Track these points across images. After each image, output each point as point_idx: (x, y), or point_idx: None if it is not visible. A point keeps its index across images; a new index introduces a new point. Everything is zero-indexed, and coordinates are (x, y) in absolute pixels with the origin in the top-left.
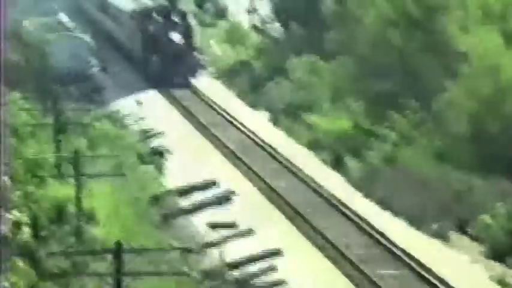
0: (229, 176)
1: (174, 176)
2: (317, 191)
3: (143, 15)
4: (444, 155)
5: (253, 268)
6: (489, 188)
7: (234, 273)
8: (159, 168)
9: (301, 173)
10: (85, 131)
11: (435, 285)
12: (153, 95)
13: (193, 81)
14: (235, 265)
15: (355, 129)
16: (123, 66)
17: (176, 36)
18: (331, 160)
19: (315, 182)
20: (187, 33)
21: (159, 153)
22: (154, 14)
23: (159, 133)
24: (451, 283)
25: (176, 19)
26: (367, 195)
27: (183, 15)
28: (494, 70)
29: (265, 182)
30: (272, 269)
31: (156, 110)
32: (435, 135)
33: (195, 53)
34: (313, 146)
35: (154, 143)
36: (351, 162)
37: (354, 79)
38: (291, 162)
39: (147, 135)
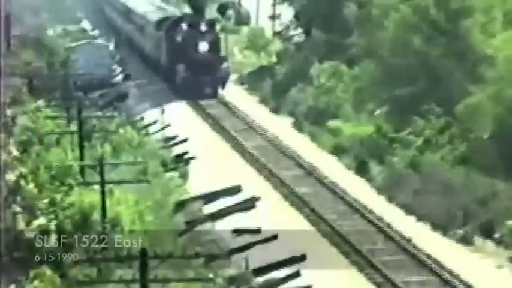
0: (253, 182)
1: (198, 182)
2: (341, 196)
3: (170, 24)
4: (468, 159)
5: (278, 274)
6: None
7: (259, 279)
8: (183, 175)
9: (325, 179)
10: (109, 139)
11: None
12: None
13: (221, 91)
14: (260, 271)
15: (378, 134)
16: (148, 76)
17: (204, 46)
18: (355, 165)
19: (339, 188)
20: (215, 42)
21: (183, 160)
22: (181, 23)
23: (184, 140)
24: None
25: (204, 28)
26: (391, 201)
27: (211, 25)
28: None
29: (289, 188)
30: (297, 275)
31: (180, 116)
32: (459, 140)
33: (223, 63)
34: (337, 151)
35: (178, 149)
36: (375, 168)
37: (377, 84)
38: (314, 168)
39: (171, 142)
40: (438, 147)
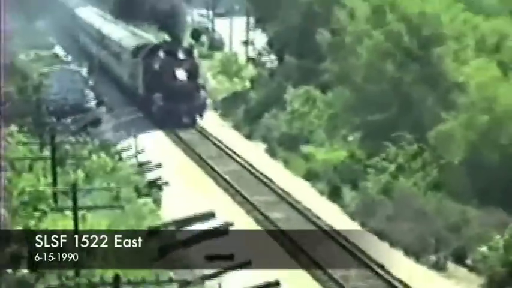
0: (226, 208)
1: (171, 208)
2: (315, 222)
3: (147, 52)
4: (441, 185)
5: None
6: (486, 219)
7: None
8: (157, 201)
9: (298, 205)
10: (82, 164)
11: None
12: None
13: (199, 120)
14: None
15: (351, 159)
16: (124, 105)
17: (182, 74)
18: (328, 191)
19: (312, 213)
20: (193, 70)
21: (156, 186)
22: (158, 51)
23: (158, 165)
24: None
25: (181, 56)
26: (364, 226)
27: (189, 52)
28: (491, 101)
29: (262, 214)
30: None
31: (152, 142)
32: (432, 167)
33: (201, 91)
34: (310, 176)
35: (152, 175)
36: (348, 193)
37: (350, 110)
38: (288, 193)
39: (144, 168)
40: (411, 173)
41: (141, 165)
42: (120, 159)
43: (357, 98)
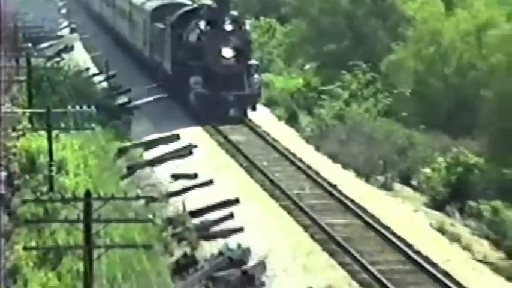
0: (190, 131)
1: (139, 130)
2: (273, 145)
3: (179, 17)
4: (390, 112)
5: (212, 216)
6: (430, 143)
7: (195, 221)
8: (126, 123)
9: (258, 128)
10: (57, 88)
11: (380, 232)
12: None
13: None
14: (196, 213)
15: (307, 87)
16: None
17: (229, 52)
18: (286, 116)
19: (271, 137)
20: (243, 46)
21: (126, 109)
22: (196, 18)
23: (127, 89)
24: (396, 231)
25: (229, 27)
26: (318, 149)
27: (238, 22)
28: (436, 34)
29: (225, 137)
30: (230, 216)
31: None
32: (383, 94)
33: (254, 75)
34: (270, 103)
35: (123, 99)
36: (304, 118)
37: (307, 41)
38: (248, 118)
39: (115, 92)
40: (363, 100)
41: (112, 89)
42: (93, 83)
43: (312, 30)
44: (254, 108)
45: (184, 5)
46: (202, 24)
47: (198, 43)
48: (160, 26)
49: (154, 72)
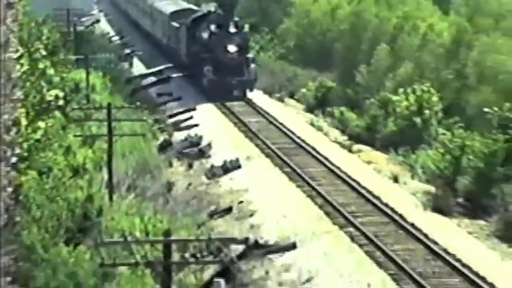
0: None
1: (138, 67)
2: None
3: (194, 20)
4: (284, 57)
5: (181, 117)
6: (306, 75)
7: (171, 120)
8: (131, 64)
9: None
10: (92, 44)
11: (277, 126)
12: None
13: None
14: (171, 116)
15: None
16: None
17: (233, 48)
18: None
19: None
20: (243, 44)
21: (131, 55)
22: (207, 22)
23: (123, 36)
24: (285, 124)
25: (232, 30)
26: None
27: (239, 26)
28: (308, 12)
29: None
30: (191, 118)
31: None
32: (279, 47)
33: (251, 65)
34: None
35: (128, 50)
36: None
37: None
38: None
39: (124, 45)
40: (267, 50)
41: (122, 44)
42: (111, 41)
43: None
44: (251, 90)
45: (194, 10)
46: (212, 26)
47: (209, 40)
48: (176, 25)
49: (170, 53)
